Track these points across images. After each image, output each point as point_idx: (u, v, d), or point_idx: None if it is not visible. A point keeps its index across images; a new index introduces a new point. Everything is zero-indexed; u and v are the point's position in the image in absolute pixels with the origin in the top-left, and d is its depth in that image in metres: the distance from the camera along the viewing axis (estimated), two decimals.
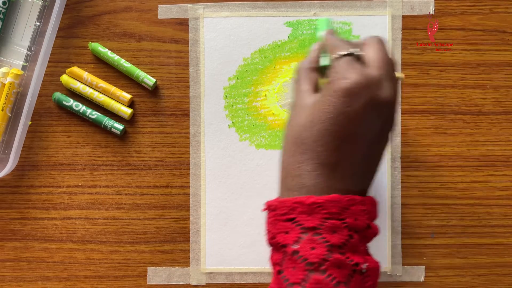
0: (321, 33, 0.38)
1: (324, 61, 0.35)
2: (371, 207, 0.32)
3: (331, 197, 0.30)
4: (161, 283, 0.46)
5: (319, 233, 0.29)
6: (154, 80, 0.45)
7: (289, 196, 0.32)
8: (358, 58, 0.33)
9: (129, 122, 0.46)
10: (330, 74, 0.32)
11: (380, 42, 0.34)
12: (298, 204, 0.30)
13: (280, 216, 0.31)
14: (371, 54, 0.33)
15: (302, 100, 0.33)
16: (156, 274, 0.46)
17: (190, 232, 0.46)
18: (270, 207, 0.33)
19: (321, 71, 0.35)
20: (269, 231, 0.33)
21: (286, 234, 0.31)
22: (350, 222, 0.30)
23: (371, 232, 0.31)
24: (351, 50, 0.33)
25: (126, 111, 0.45)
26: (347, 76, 0.31)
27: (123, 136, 0.46)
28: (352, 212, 0.30)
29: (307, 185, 0.31)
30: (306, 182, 0.31)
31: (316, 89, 0.34)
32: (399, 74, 0.35)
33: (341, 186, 0.31)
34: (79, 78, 0.46)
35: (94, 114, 0.45)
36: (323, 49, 0.36)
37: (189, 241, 0.46)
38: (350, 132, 0.31)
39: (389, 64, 0.33)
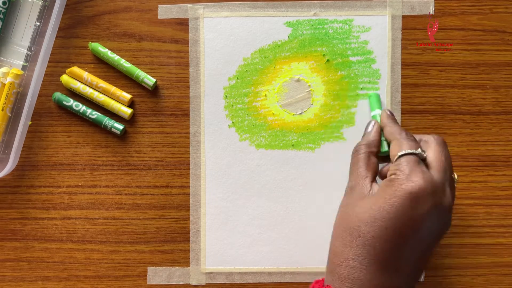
0: (376, 112, 0.38)
1: (385, 148, 0.35)
2: None
3: None
4: (161, 283, 0.46)
5: None
6: (154, 80, 0.45)
7: (341, 285, 0.32)
8: (422, 158, 0.33)
9: (129, 122, 0.46)
10: (394, 171, 0.33)
11: (441, 142, 0.34)
12: None
13: None
14: (433, 156, 0.33)
15: (362, 188, 0.33)
16: (156, 274, 0.46)
17: (190, 232, 0.46)
18: None
19: (381, 155, 0.35)
20: None
21: None
22: None
23: None
24: (417, 151, 0.33)
25: (126, 111, 0.45)
26: (413, 179, 0.31)
27: (123, 136, 0.46)
28: None
29: (361, 279, 0.31)
30: (361, 277, 0.31)
31: (375, 176, 0.34)
32: (455, 175, 0.35)
33: (393, 285, 0.31)
34: (79, 78, 0.46)
35: (94, 114, 0.45)
36: (382, 134, 0.36)
37: (189, 241, 0.46)
38: (411, 234, 0.31)
39: (450, 168, 0.33)
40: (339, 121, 0.46)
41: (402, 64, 0.46)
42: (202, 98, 0.46)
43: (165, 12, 0.46)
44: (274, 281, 0.46)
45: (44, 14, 0.46)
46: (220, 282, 0.46)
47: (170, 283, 0.46)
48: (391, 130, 0.36)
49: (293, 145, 0.46)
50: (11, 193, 0.46)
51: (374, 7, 0.46)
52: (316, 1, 0.46)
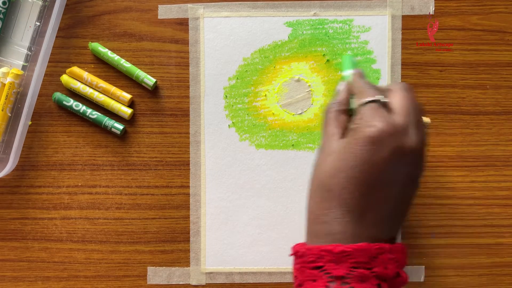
0: (347, 72, 0.38)
1: (353, 104, 0.35)
2: (400, 255, 0.32)
3: (360, 245, 0.30)
4: (161, 283, 0.46)
5: (347, 282, 0.29)
6: (154, 80, 0.45)
7: (316, 243, 0.32)
8: (384, 105, 0.33)
9: (129, 122, 0.46)
10: (356, 120, 0.33)
11: (407, 88, 0.34)
12: (326, 252, 0.30)
13: (307, 263, 0.31)
14: (397, 101, 0.33)
15: (329, 145, 0.33)
16: (156, 274, 0.46)
17: (190, 232, 0.46)
18: (297, 254, 0.33)
19: (350, 113, 0.35)
20: (296, 278, 0.33)
21: (313, 282, 0.30)
22: (379, 271, 0.30)
23: (400, 280, 0.31)
24: (377, 97, 0.33)
25: (126, 111, 0.45)
26: (372, 123, 0.31)
27: (123, 136, 0.46)
28: (381, 261, 0.30)
29: (334, 233, 0.31)
30: (334, 230, 0.31)
31: (345, 132, 0.34)
32: (426, 119, 0.35)
33: (369, 234, 0.31)
34: (79, 78, 0.46)
35: (94, 114, 0.45)
36: (351, 91, 0.36)
37: (189, 241, 0.46)
38: (377, 180, 0.31)
39: (415, 111, 0.33)
40: None
41: (402, 64, 0.46)
42: (202, 98, 0.46)
43: (165, 12, 0.46)
44: (274, 281, 0.46)
45: (44, 14, 0.46)
46: (220, 282, 0.46)
47: (170, 283, 0.46)
48: (358, 85, 0.36)
49: (293, 145, 0.46)
50: (11, 193, 0.46)
51: (374, 7, 0.46)
52: (316, 1, 0.46)
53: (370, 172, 0.31)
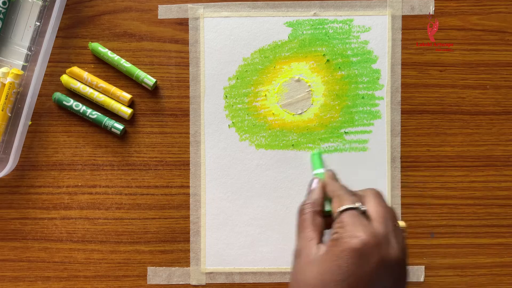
0: (319, 170, 0.38)
1: (328, 207, 0.35)
2: None
3: None
4: (161, 283, 0.46)
5: None
6: (154, 80, 0.45)
7: None
8: (363, 213, 0.33)
9: (129, 122, 0.46)
10: (336, 228, 0.32)
11: (378, 194, 0.34)
12: None
13: None
14: (373, 207, 0.33)
15: (308, 252, 0.32)
16: (156, 274, 0.46)
17: (190, 232, 0.46)
18: None
19: (325, 214, 0.35)
20: None
21: None
22: None
23: None
24: (357, 204, 0.33)
25: (126, 111, 0.45)
26: (355, 234, 0.31)
27: (123, 136, 0.46)
28: None
29: None
30: None
31: (321, 236, 0.33)
32: (401, 223, 0.35)
33: None
34: (79, 78, 0.46)
35: (94, 114, 0.45)
36: (325, 191, 0.36)
37: (189, 241, 0.46)
38: None
39: (391, 217, 0.33)
40: (339, 121, 0.46)
41: (402, 64, 0.46)
42: (202, 98, 0.46)
43: (165, 12, 0.46)
44: (274, 281, 0.46)
45: (44, 14, 0.46)
46: (220, 282, 0.46)
47: (170, 283, 0.46)
48: (333, 188, 0.36)
49: (293, 145, 0.46)
50: (11, 193, 0.46)
51: (374, 7, 0.46)
52: (316, 1, 0.46)
53: (357, 286, 0.30)
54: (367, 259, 0.30)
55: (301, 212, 0.36)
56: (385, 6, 0.46)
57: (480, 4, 0.46)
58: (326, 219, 0.35)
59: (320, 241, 0.33)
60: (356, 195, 0.35)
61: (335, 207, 0.34)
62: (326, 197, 0.36)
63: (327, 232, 0.34)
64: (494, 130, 0.46)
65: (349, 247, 0.30)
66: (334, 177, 0.38)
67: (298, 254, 0.33)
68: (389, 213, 0.33)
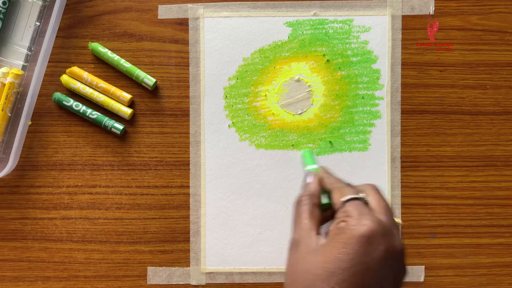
0: (311, 166, 0.38)
1: (325, 200, 0.35)
2: None
3: None
4: (161, 283, 0.46)
5: None
6: (154, 80, 0.45)
7: None
8: (366, 203, 0.32)
9: (129, 122, 0.46)
10: (341, 217, 0.32)
11: (377, 189, 0.34)
12: None
13: None
14: (375, 200, 0.33)
15: (308, 242, 0.32)
16: (156, 274, 0.46)
17: (190, 232, 0.46)
18: None
19: (322, 208, 0.35)
20: None
21: None
22: None
23: None
24: (360, 195, 0.33)
25: (126, 111, 0.45)
26: (363, 222, 0.30)
27: (123, 136, 0.46)
28: None
29: None
30: None
31: (319, 227, 0.33)
32: (398, 220, 0.35)
33: None
34: (79, 78, 0.46)
35: (94, 114, 0.45)
36: (322, 185, 0.36)
37: (189, 241, 0.46)
38: (368, 283, 0.29)
39: (391, 212, 0.33)
40: (339, 121, 0.46)
41: (402, 64, 0.46)
42: (202, 98, 0.46)
43: (165, 12, 0.46)
44: (274, 281, 0.46)
45: (44, 14, 0.46)
46: (220, 282, 0.46)
47: (170, 283, 0.46)
48: (330, 181, 0.35)
49: (293, 145, 0.46)
50: (11, 193, 0.46)
51: (374, 7, 0.46)
52: (316, 1, 0.46)
53: (363, 274, 0.29)
54: (374, 247, 0.30)
55: (298, 203, 0.35)
56: (385, 6, 0.46)
57: (480, 4, 0.46)
58: (322, 213, 0.35)
59: (319, 233, 0.33)
60: (355, 188, 0.34)
61: (337, 198, 0.33)
62: (322, 191, 0.36)
63: (323, 226, 0.34)
64: (494, 130, 0.46)
65: (358, 233, 0.30)
66: (328, 171, 0.37)
67: (295, 245, 0.33)
68: (389, 208, 0.33)
